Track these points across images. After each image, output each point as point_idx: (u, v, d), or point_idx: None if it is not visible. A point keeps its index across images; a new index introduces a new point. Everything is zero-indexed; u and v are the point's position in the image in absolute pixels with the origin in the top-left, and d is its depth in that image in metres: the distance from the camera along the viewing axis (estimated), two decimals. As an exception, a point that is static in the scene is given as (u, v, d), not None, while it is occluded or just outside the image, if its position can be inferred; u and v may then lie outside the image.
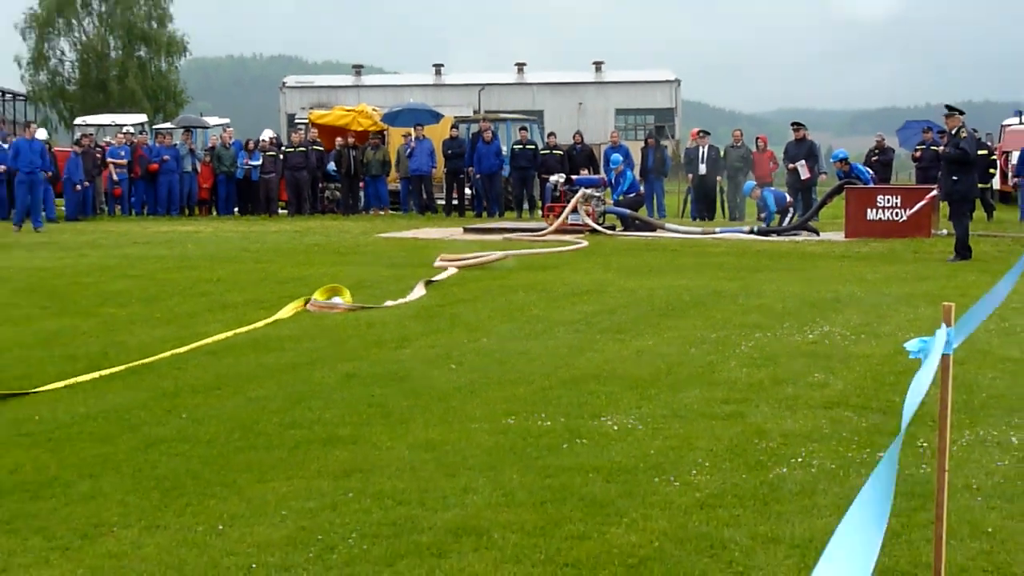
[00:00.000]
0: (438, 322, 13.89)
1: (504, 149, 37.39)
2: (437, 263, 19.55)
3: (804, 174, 31.70)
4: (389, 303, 15.58)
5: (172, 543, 6.19)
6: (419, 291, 16.58)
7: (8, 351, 12.17)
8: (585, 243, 24.54)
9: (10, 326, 13.94)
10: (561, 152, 36.59)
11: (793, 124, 33.69)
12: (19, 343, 12.69)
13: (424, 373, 10.73)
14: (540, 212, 33.77)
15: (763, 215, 28.64)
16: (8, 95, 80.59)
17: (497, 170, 36.62)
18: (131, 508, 6.77)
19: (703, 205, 34.92)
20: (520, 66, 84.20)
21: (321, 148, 38.05)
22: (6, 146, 35.98)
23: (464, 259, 19.92)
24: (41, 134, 38.03)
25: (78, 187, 36.22)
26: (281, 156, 37.79)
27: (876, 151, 35.80)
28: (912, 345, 4.86)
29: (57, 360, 11.41)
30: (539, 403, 9.42)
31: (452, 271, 18.26)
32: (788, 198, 29.51)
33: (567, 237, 26.66)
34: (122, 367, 11.00)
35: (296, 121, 48.29)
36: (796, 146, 32.58)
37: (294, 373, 10.84)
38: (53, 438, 8.44)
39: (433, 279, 17.55)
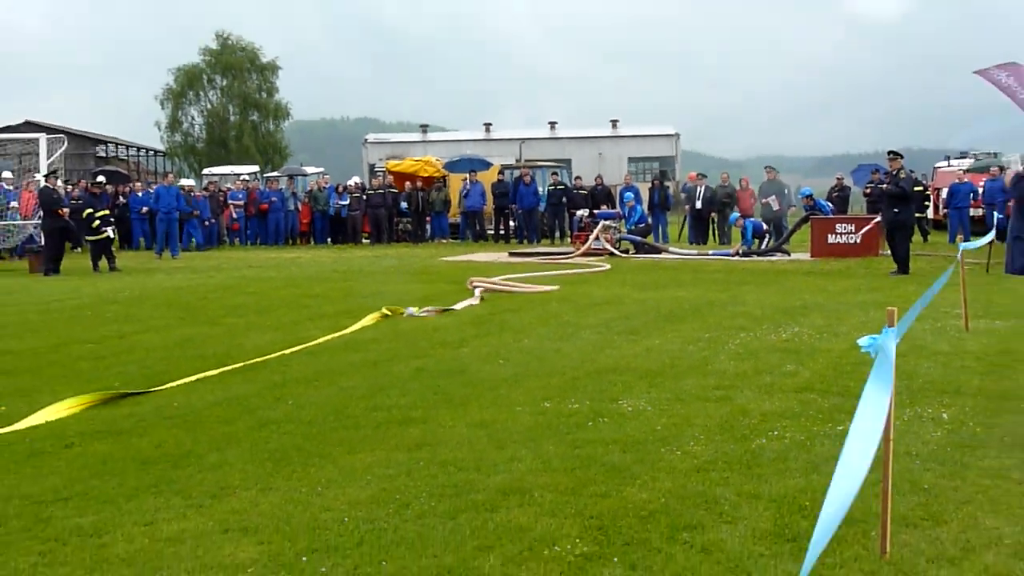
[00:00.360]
0: (489, 327, 13.91)
1: (540, 189, 37.49)
2: (469, 285, 19.32)
3: (775, 207, 31.70)
4: (457, 306, 15.75)
5: (282, 501, 6.23)
6: (474, 300, 16.71)
7: (153, 352, 12.26)
8: (608, 266, 24.46)
9: (153, 333, 14.04)
10: (585, 191, 36.71)
11: (766, 167, 33.65)
12: (161, 346, 12.78)
13: (478, 367, 10.74)
14: (569, 239, 33.77)
15: (744, 241, 28.58)
16: (151, 151, 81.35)
17: (535, 206, 36.76)
18: (249, 474, 6.82)
19: (698, 232, 34.85)
20: (552, 124, 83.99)
21: (395, 190, 38.22)
22: (151, 191, 36.28)
23: (491, 283, 19.74)
24: (189, 182, 38.43)
25: (206, 223, 36.52)
26: (364, 197, 38.02)
27: (836, 188, 35.73)
28: (863, 342, 4.87)
29: (190, 359, 11.48)
30: (569, 390, 9.43)
31: (478, 295, 17.97)
32: (764, 227, 29.43)
33: (591, 259, 26.68)
34: (241, 364, 11.06)
35: (376, 169, 48.34)
36: (769, 185, 32.59)
37: (376, 368, 10.87)
38: (188, 420, 8.50)
39: (482, 296, 17.57)
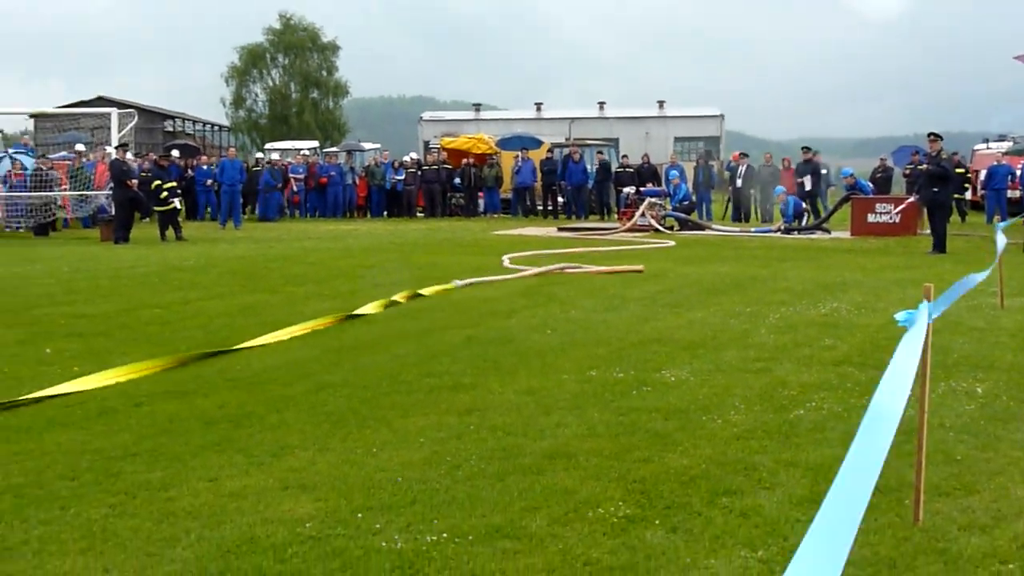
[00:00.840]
0: (537, 298, 13.92)
1: (589, 167, 37.42)
2: (505, 263, 18.77)
3: (808, 186, 31.61)
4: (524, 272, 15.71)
5: (338, 461, 6.28)
6: (529, 271, 16.67)
7: (217, 318, 12.38)
8: (673, 243, 24.20)
9: (217, 300, 14.17)
10: (632, 170, 36.59)
11: (803, 148, 33.55)
12: (225, 313, 12.89)
13: (526, 337, 10.76)
14: (615, 216, 33.70)
15: (784, 218, 28.43)
16: (216, 127, 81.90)
17: (583, 183, 36.72)
18: (308, 435, 6.88)
19: (741, 210, 34.70)
20: (601, 104, 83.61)
21: (449, 166, 38.33)
22: (215, 164, 36.52)
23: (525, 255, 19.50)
24: (274, 156, 38.63)
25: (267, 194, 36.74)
26: (419, 172, 38.13)
27: (880, 169, 35.47)
28: (900, 316, 4.85)
29: (252, 325, 11.55)
30: (614, 360, 9.43)
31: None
32: (804, 205, 29.28)
33: (639, 235, 26.61)
34: (300, 330, 11.13)
35: (430, 146, 48.42)
36: (804, 165, 32.51)
37: (428, 336, 10.91)
38: (250, 382, 8.58)
39: (528, 269, 17.50)
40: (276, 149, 49.48)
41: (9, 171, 31.23)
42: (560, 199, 37.55)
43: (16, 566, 4.69)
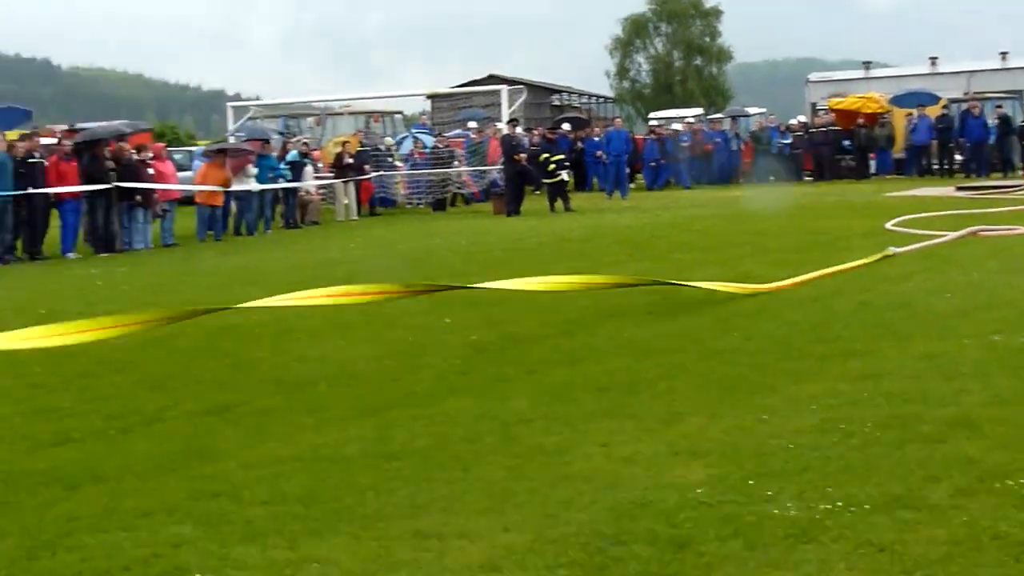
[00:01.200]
0: (934, 261, 13.35)
1: (990, 122, 35.58)
2: (889, 225, 17.59)
3: None
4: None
5: (728, 428, 6.28)
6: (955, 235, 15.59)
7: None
8: None
9: (605, 268, 14.38)
10: (1039, 122, 34.47)
11: None
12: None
13: (923, 300, 10.36)
14: (1021, 172, 31.79)
15: None
16: (601, 98, 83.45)
17: (984, 139, 34.97)
18: (698, 402, 6.91)
19: None
20: (1004, 54, 78.86)
21: (838, 128, 37.36)
22: (600, 137, 37.20)
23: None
24: (676, 125, 39.27)
25: (652, 164, 37.07)
26: (807, 135, 37.45)
27: None
28: None
29: (642, 292, 11.53)
30: (1022, 324, 8.90)
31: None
32: None
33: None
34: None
35: (818, 108, 47.28)
36: None
37: (818, 302, 10.70)
38: (639, 349, 8.71)
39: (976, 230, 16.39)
40: (660, 118, 49.74)
41: (412, 150, 33.13)
42: (958, 157, 35.88)
43: (425, 523, 4.98)
